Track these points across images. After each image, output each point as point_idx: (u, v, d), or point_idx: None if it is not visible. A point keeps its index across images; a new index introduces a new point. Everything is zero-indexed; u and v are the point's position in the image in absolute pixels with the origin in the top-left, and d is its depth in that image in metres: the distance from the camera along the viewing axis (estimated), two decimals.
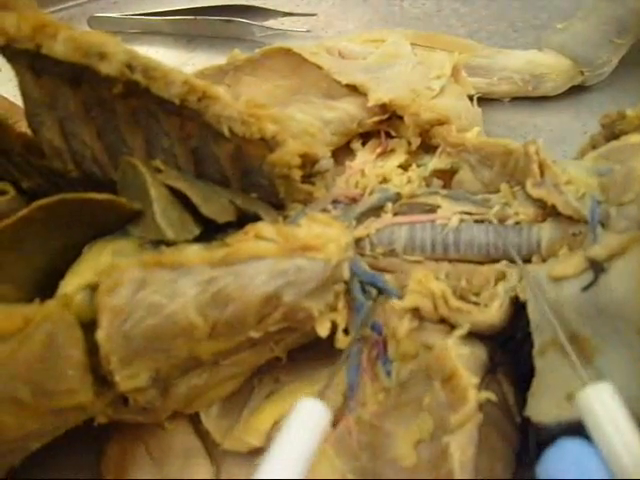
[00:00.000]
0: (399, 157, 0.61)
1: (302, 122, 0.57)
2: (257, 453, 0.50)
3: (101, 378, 0.45)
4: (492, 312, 0.45)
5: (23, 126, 0.56)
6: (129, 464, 0.52)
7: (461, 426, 0.41)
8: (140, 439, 0.53)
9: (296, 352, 0.52)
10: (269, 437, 0.49)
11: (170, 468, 0.51)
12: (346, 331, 0.49)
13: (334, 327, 0.49)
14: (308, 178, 0.51)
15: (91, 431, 0.50)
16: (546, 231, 0.50)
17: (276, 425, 0.50)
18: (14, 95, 0.68)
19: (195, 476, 0.51)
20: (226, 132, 0.47)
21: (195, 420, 0.53)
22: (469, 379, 0.42)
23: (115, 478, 0.52)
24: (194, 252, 0.43)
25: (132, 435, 0.53)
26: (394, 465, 0.45)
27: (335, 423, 0.48)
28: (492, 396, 0.42)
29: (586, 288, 0.44)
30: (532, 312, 0.45)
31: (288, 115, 0.49)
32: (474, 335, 0.47)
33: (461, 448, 0.41)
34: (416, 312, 0.47)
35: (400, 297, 0.48)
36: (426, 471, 0.44)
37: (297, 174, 0.49)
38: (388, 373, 0.48)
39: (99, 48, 0.45)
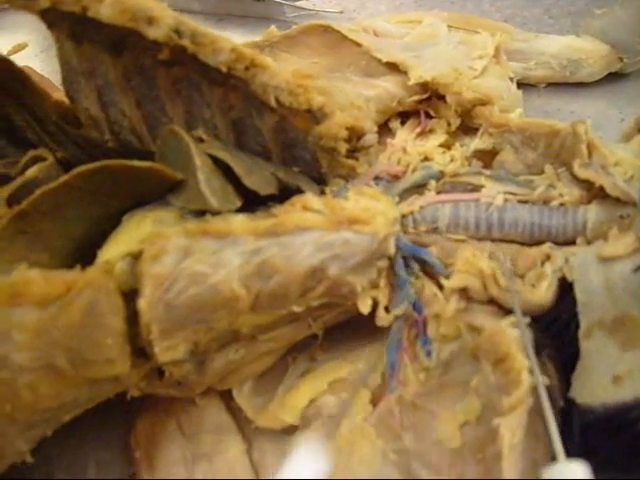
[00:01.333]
0: (439, 137, 0.60)
1: (349, 95, 0.56)
2: (290, 431, 0.49)
3: (139, 350, 0.44)
4: (542, 292, 0.45)
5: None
6: (160, 439, 0.51)
7: (513, 409, 0.41)
8: (171, 414, 0.52)
9: (332, 331, 0.52)
10: (304, 415, 0.49)
11: (201, 444, 0.50)
12: (386, 309, 0.48)
13: (374, 305, 0.48)
14: (351, 153, 0.50)
15: (121, 405, 0.49)
16: (592, 213, 0.49)
17: (312, 403, 0.49)
18: (41, 70, 0.67)
19: (226, 453, 0.50)
20: (272, 102, 0.46)
21: (227, 397, 0.52)
22: (523, 362, 0.41)
23: (145, 452, 0.51)
24: (240, 222, 0.42)
25: (163, 410, 0.52)
26: (439, 446, 0.44)
27: (375, 403, 0.47)
28: (546, 380, 0.41)
29: (638, 269, 0.43)
30: (580, 293, 0.45)
31: (335, 87, 0.48)
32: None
33: (511, 431, 0.40)
34: (463, 292, 0.46)
35: (445, 273, 0.47)
36: (471, 453, 0.43)
37: (343, 147, 0.48)
38: (428, 353, 0.48)
39: (147, 12, 0.45)
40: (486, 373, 0.43)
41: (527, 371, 0.41)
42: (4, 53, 0.56)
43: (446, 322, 0.47)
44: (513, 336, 0.43)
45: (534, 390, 0.41)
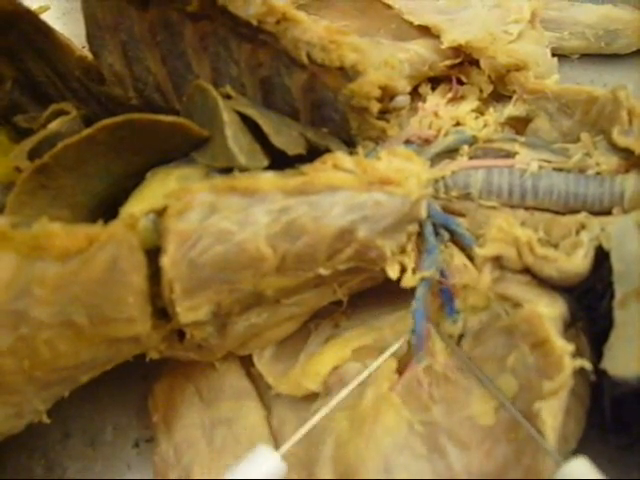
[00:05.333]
0: (470, 104, 0.59)
1: (383, 53, 0.55)
2: (312, 398, 0.48)
3: (160, 310, 0.43)
4: (578, 260, 0.43)
5: None
6: (178, 403, 0.50)
7: (555, 394, 0.39)
8: (190, 378, 0.51)
9: (356, 298, 0.50)
10: (326, 383, 0.47)
11: (220, 409, 0.50)
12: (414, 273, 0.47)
13: (401, 270, 0.46)
14: (382, 114, 0.49)
15: (139, 369, 0.49)
16: (631, 182, 0.48)
17: (335, 370, 0.48)
18: (62, 33, 0.66)
19: (245, 419, 0.49)
20: (304, 58, 0.45)
21: (247, 362, 0.51)
22: (565, 347, 0.40)
23: (163, 416, 0.50)
24: (268, 179, 0.41)
25: (182, 374, 0.52)
26: (470, 422, 0.43)
27: (400, 371, 0.46)
28: (587, 364, 0.40)
29: None
30: (617, 261, 0.43)
31: (369, 44, 0.47)
32: (554, 288, 0.45)
33: (553, 415, 0.39)
34: (496, 261, 0.45)
35: (475, 244, 0.46)
36: (504, 432, 0.42)
37: (375, 107, 0.46)
38: (454, 322, 0.46)
39: None
40: (524, 353, 0.42)
41: (569, 355, 0.40)
42: None
43: (476, 293, 0.46)
44: (551, 319, 0.41)
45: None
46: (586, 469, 0.37)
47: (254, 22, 0.44)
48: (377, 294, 0.50)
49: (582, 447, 0.43)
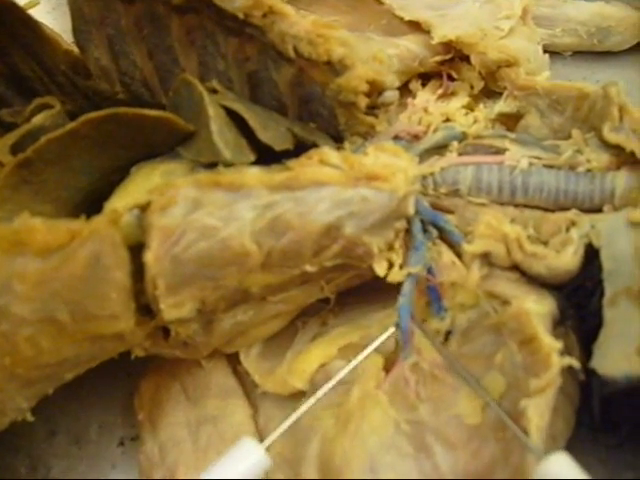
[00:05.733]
0: (461, 100, 0.58)
1: (371, 48, 0.54)
2: (298, 397, 0.47)
3: (144, 307, 0.42)
4: (568, 257, 0.43)
5: None
6: (164, 401, 0.50)
7: (542, 392, 0.39)
8: (176, 376, 0.51)
9: (344, 295, 0.50)
10: (313, 381, 0.47)
11: (206, 407, 0.49)
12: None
13: (388, 267, 0.46)
14: (371, 110, 0.48)
15: (125, 367, 0.48)
16: (621, 179, 0.47)
17: (321, 368, 0.47)
18: (52, 27, 0.66)
19: (231, 417, 0.48)
20: (290, 52, 0.44)
21: (233, 360, 0.51)
22: (553, 344, 0.39)
23: (148, 415, 0.50)
24: (254, 174, 0.40)
25: (168, 372, 0.51)
26: (457, 421, 0.42)
27: (388, 369, 0.45)
28: (575, 362, 0.40)
29: None
30: (606, 259, 0.43)
31: (357, 39, 0.46)
32: (544, 286, 0.45)
33: (539, 413, 0.39)
34: (484, 258, 0.44)
35: (464, 241, 0.46)
36: (491, 431, 0.42)
37: (363, 101, 0.46)
38: (441, 320, 0.46)
39: None
40: (512, 351, 0.41)
41: (557, 353, 0.39)
42: None
43: (464, 290, 0.45)
44: (539, 316, 0.41)
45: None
46: (566, 463, 0.36)
47: (240, 15, 0.44)
48: (365, 292, 0.50)
49: (572, 446, 0.42)
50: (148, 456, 0.48)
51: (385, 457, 0.42)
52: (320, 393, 0.43)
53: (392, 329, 0.45)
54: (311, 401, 0.42)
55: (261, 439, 0.47)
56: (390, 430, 0.43)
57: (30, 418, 0.45)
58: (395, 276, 0.45)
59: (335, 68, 0.45)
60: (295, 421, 0.42)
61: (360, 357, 0.44)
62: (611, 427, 0.44)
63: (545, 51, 0.66)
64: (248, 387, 0.50)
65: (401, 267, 0.45)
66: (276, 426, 0.46)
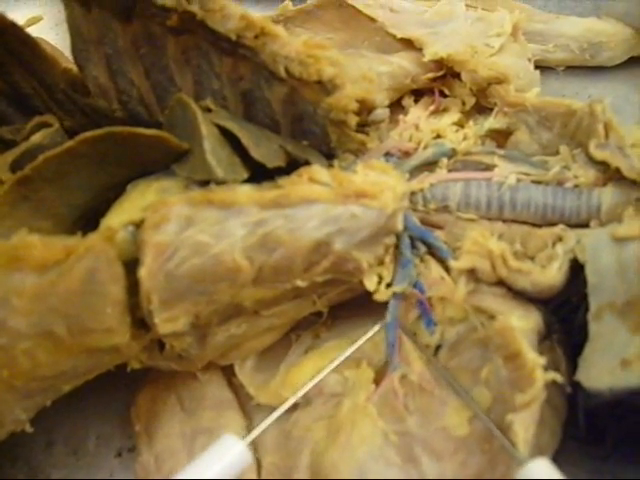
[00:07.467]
0: (452, 116, 0.59)
1: (360, 67, 0.55)
2: (291, 409, 0.48)
3: (139, 321, 0.43)
4: (552, 273, 0.44)
5: None
6: (160, 413, 0.51)
7: (527, 406, 0.40)
8: (172, 389, 0.52)
9: (337, 309, 0.51)
10: (306, 394, 0.48)
11: (200, 419, 0.50)
12: (389, 287, 0.47)
13: (378, 282, 0.47)
14: (362, 127, 0.49)
15: (121, 379, 0.49)
16: (607, 195, 0.48)
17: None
18: (55, 43, 0.67)
19: (226, 429, 0.49)
20: (282, 72, 0.45)
21: (228, 373, 0.52)
22: (537, 360, 0.40)
23: (145, 426, 0.51)
24: (245, 192, 0.41)
25: (164, 384, 0.52)
26: (444, 433, 0.43)
27: (377, 381, 0.46)
28: (558, 377, 0.41)
29: None
30: (591, 274, 0.43)
31: (347, 59, 0.47)
32: (530, 301, 0.46)
33: (525, 427, 0.40)
34: (471, 274, 0.45)
35: (452, 257, 0.47)
36: (477, 443, 0.43)
37: (353, 120, 0.46)
38: (431, 333, 0.47)
39: None
40: (497, 366, 0.42)
41: (540, 368, 0.40)
42: None
43: (453, 305, 0.46)
44: (524, 332, 0.42)
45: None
46: (545, 467, 0.37)
47: (233, 37, 0.45)
48: (357, 305, 0.50)
49: (560, 458, 0.43)
50: (144, 466, 0.49)
51: (374, 467, 0.43)
52: (310, 385, 0.44)
53: (380, 323, 0.46)
54: (300, 393, 0.44)
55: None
56: (379, 441, 0.44)
57: (29, 429, 0.46)
58: (382, 295, 0.46)
59: (326, 87, 0.45)
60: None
61: (351, 349, 0.46)
62: (597, 439, 0.45)
63: (538, 66, 0.67)
64: (243, 399, 0.51)
65: (389, 285, 0.46)
66: (270, 438, 0.47)
